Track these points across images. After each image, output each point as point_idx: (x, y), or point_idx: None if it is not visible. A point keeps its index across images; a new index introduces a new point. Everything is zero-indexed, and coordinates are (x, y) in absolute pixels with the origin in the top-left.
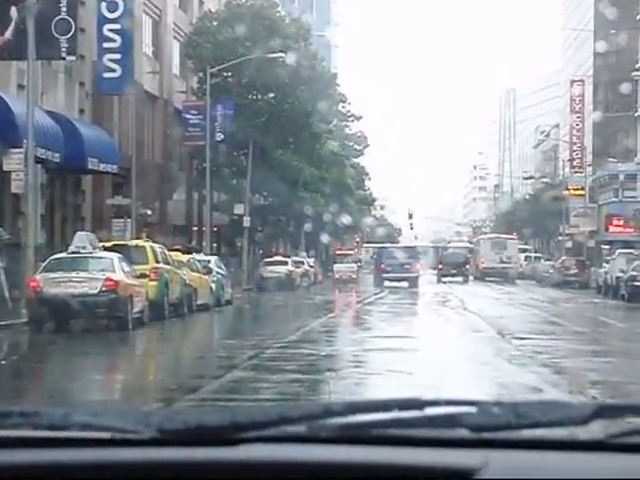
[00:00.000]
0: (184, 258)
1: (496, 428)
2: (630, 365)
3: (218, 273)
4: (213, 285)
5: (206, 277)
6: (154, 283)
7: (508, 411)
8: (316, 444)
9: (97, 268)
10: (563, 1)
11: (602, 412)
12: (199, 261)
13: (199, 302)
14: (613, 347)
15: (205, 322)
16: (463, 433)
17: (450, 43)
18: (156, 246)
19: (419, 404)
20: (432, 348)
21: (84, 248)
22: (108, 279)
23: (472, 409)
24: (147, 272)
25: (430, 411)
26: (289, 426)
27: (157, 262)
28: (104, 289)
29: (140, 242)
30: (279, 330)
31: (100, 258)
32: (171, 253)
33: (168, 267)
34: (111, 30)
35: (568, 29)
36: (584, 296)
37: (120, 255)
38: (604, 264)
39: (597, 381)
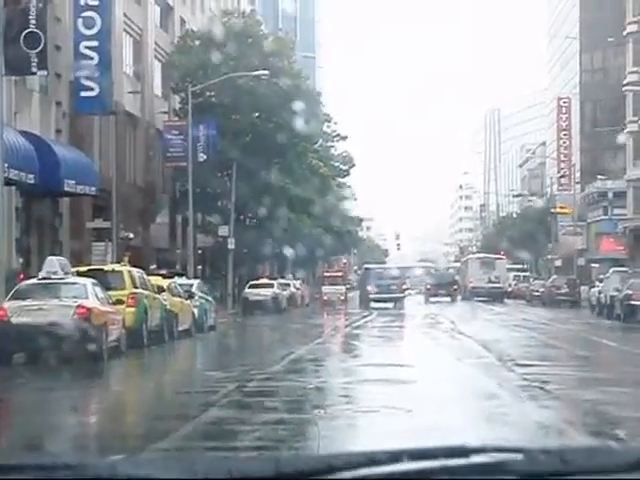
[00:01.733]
0: (165, 282)
1: (542, 475)
2: None
3: (201, 297)
4: (196, 310)
5: (188, 302)
6: (132, 309)
7: (554, 458)
8: None
9: (69, 295)
10: (548, 19)
11: None
12: (181, 285)
13: (181, 328)
14: (623, 374)
15: (186, 350)
16: None
17: (434, 63)
18: (134, 270)
19: (465, 451)
20: (429, 379)
21: (55, 273)
22: (80, 306)
23: (519, 456)
24: (124, 298)
25: (476, 459)
26: (334, 475)
27: (135, 287)
28: (76, 317)
29: (117, 266)
30: (263, 359)
31: (72, 284)
32: (151, 277)
33: (147, 292)
34: (88, 47)
35: (558, 37)
36: (577, 316)
37: (94, 280)
38: (597, 283)
39: (620, 417)
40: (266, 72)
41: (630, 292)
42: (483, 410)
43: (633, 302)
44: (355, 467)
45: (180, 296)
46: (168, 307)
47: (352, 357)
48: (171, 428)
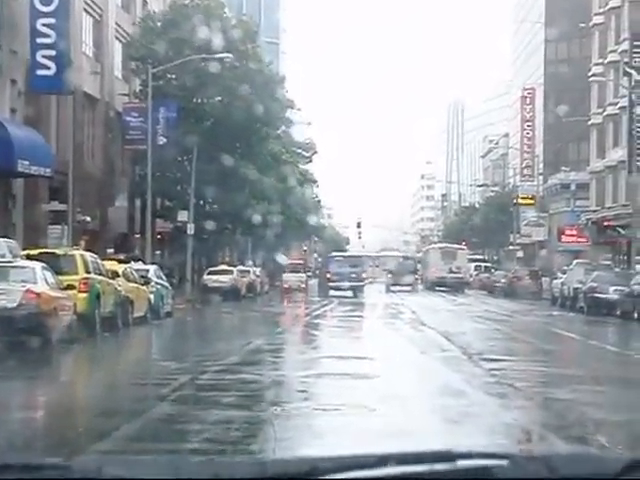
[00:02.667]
0: (119, 268)
1: None
2: (624, 396)
3: (157, 283)
4: (151, 296)
5: (144, 288)
6: (83, 295)
7: (540, 464)
8: None
9: (17, 279)
10: (513, 10)
11: (634, 467)
12: (137, 271)
13: (136, 315)
14: (594, 371)
15: (139, 339)
16: None
17: (399, 53)
18: (87, 255)
19: (451, 456)
20: (393, 373)
21: (2, 256)
22: (29, 291)
23: (504, 462)
24: (76, 283)
25: (462, 464)
26: (321, 477)
27: (88, 272)
28: (24, 302)
29: (69, 250)
30: (219, 349)
31: (21, 268)
32: (105, 262)
33: (100, 277)
34: (45, 25)
35: (523, 28)
36: (540, 308)
37: (44, 265)
38: (560, 274)
39: (600, 420)
40: (229, 55)
41: (594, 284)
42: (451, 410)
43: (597, 295)
44: (342, 470)
45: (136, 282)
46: (122, 293)
47: (312, 348)
48: (114, 426)
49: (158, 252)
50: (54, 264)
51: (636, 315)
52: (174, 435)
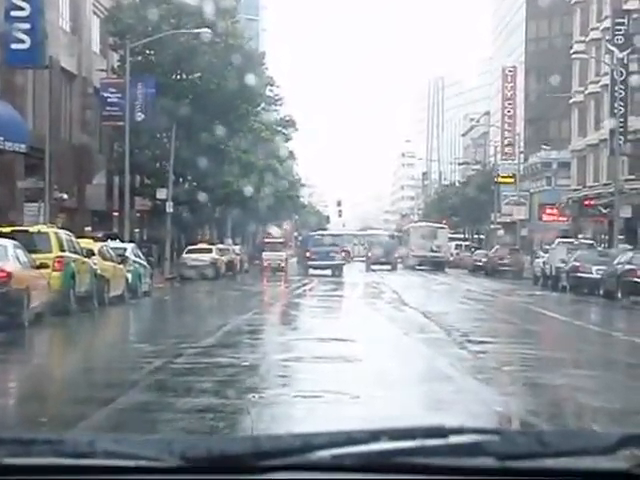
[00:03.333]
0: (95, 246)
1: (520, 457)
2: (616, 381)
3: (135, 262)
4: (129, 275)
5: (121, 267)
6: (58, 274)
7: (532, 440)
8: (340, 472)
9: None
10: None
11: (627, 441)
12: (114, 249)
13: (112, 294)
14: (583, 354)
15: (115, 319)
16: (487, 462)
17: (379, 31)
18: (62, 232)
19: (443, 432)
20: (376, 357)
21: None
22: None
23: (495, 437)
24: (50, 261)
25: (454, 439)
26: (313, 454)
27: (62, 250)
28: None
29: (43, 228)
30: (197, 329)
31: None
32: (81, 240)
33: (75, 256)
34: None
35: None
36: (522, 287)
37: (16, 242)
38: (542, 253)
39: (595, 408)
40: (208, 30)
41: (577, 264)
42: (438, 396)
43: (580, 274)
44: (334, 446)
45: (112, 260)
46: (98, 272)
47: (291, 329)
48: (80, 415)
49: (137, 230)
50: (27, 242)
51: (619, 294)
52: (143, 425)
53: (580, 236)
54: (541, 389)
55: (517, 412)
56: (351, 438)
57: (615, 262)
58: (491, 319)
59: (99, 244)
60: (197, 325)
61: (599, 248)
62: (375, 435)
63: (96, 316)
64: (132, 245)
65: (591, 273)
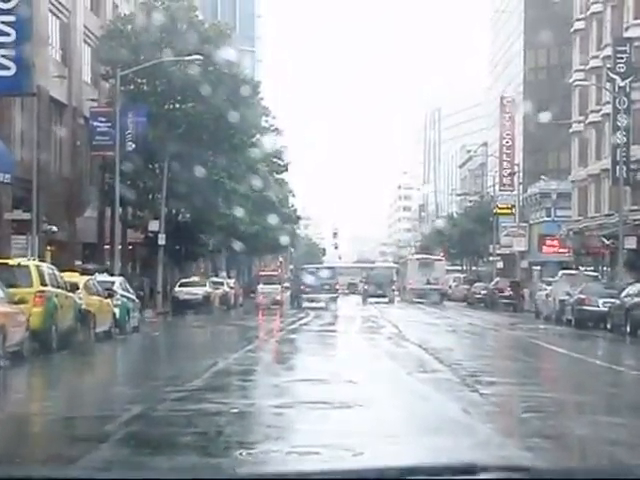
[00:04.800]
0: (81, 280)
1: None
2: None
3: (123, 296)
4: (117, 310)
5: (108, 301)
6: (38, 309)
7: (561, 475)
8: None
9: None
10: (491, 18)
11: None
12: (101, 282)
13: (99, 330)
14: (605, 396)
15: (98, 357)
16: None
17: (377, 61)
18: (43, 265)
19: (473, 469)
20: (378, 402)
21: None
22: None
23: (525, 475)
24: (30, 296)
25: (484, 476)
26: None
27: (44, 284)
28: None
29: (23, 261)
30: (184, 370)
31: None
32: (65, 274)
33: (58, 290)
34: (5, 22)
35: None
36: (524, 320)
37: None
38: (544, 286)
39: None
40: (199, 57)
41: (583, 296)
42: (455, 453)
43: (586, 307)
44: None
45: (99, 295)
46: (83, 307)
47: (286, 369)
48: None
49: (130, 263)
50: (7, 276)
51: (628, 329)
52: None
53: (582, 268)
54: (569, 441)
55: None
56: (382, 474)
57: (623, 295)
58: (498, 356)
59: (85, 278)
60: (185, 365)
61: (604, 280)
62: (407, 471)
63: (79, 354)
64: (120, 279)
65: (597, 306)
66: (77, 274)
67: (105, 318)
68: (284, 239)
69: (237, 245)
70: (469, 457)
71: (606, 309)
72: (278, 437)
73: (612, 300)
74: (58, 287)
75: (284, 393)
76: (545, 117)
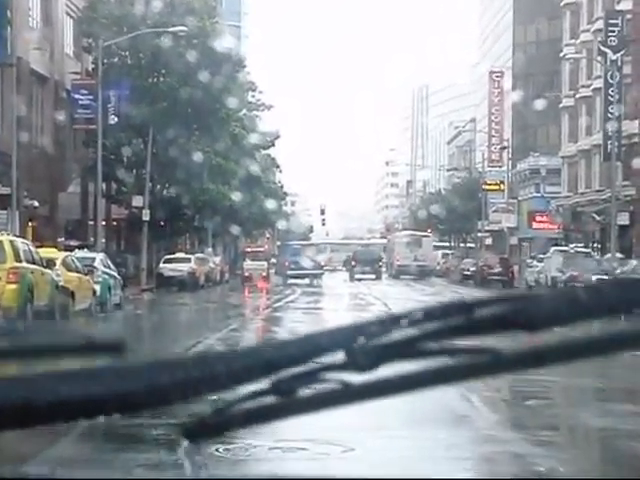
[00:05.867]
0: (58, 256)
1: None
2: None
3: (104, 273)
4: (97, 287)
5: (87, 278)
6: (12, 287)
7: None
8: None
9: None
10: None
11: None
12: (81, 259)
13: (78, 307)
14: (617, 381)
15: None
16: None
17: (364, 37)
18: (18, 241)
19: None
20: None
21: None
22: None
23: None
24: (3, 273)
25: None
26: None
27: (18, 260)
28: None
29: None
30: (161, 352)
31: None
32: (43, 250)
33: (33, 267)
34: None
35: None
36: None
37: None
38: (535, 262)
39: None
40: (183, 28)
41: (575, 273)
42: (453, 450)
43: (578, 284)
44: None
45: (78, 271)
46: (61, 284)
47: None
48: None
49: (115, 240)
50: None
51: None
52: None
53: (572, 245)
54: (581, 433)
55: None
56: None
57: (617, 272)
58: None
59: (63, 254)
60: (163, 345)
61: (596, 257)
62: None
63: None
64: (101, 255)
65: (590, 283)
66: (55, 250)
67: (85, 295)
68: (270, 215)
69: (223, 221)
70: (472, 452)
71: None
72: (259, 430)
73: (605, 277)
74: (34, 263)
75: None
76: (540, 104)
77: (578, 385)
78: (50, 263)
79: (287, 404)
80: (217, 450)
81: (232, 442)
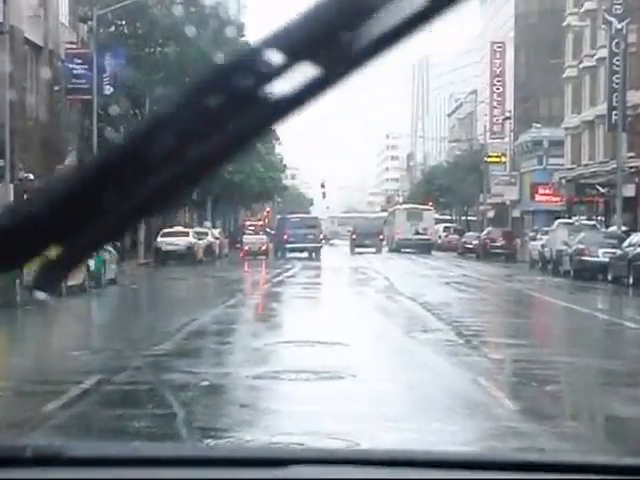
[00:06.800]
0: None
1: None
2: None
3: None
4: (91, 262)
5: None
6: None
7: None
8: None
9: None
10: None
11: None
12: None
13: (70, 283)
14: (634, 363)
15: (64, 314)
16: None
17: None
18: None
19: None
20: (374, 370)
21: None
22: None
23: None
24: None
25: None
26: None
27: None
28: None
29: None
30: (156, 329)
31: None
32: None
33: None
34: None
35: None
36: (519, 272)
37: None
38: (539, 235)
39: None
40: None
41: (582, 246)
42: (470, 447)
43: (585, 258)
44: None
45: None
46: (51, 258)
47: (269, 329)
48: None
49: None
50: None
51: (631, 280)
52: None
53: (575, 217)
54: (615, 427)
55: None
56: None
57: (625, 245)
58: (499, 311)
59: None
60: (158, 323)
61: (602, 229)
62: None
63: (42, 311)
64: None
65: (597, 257)
66: None
67: (77, 270)
68: (270, 188)
69: (222, 194)
70: (491, 450)
71: (607, 259)
72: (254, 421)
73: (613, 250)
74: None
75: (264, 359)
76: (542, 75)
77: (597, 367)
78: None
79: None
80: (207, 444)
81: (221, 437)
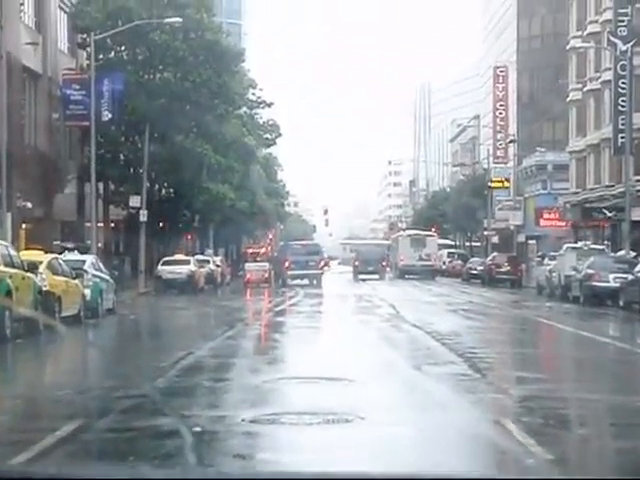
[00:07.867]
0: (43, 259)
1: None
2: None
3: (95, 276)
4: (87, 291)
5: (76, 282)
6: None
7: None
8: None
9: None
10: None
11: None
12: (69, 262)
13: (65, 314)
14: None
15: (55, 347)
16: None
17: (365, 36)
18: None
19: None
20: (384, 412)
21: None
22: None
23: None
24: None
25: None
26: None
27: None
28: None
29: None
30: (149, 364)
31: None
32: (25, 252)
33: (13, 270)
34: None
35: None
36: (527, 298)
37: None
38: (547, 261)
39: None
40: (178, 20)
41: (592, 272)
42: None
43: (595, 283)
44: None
45: (65, 275)
46: (45, 288)
47: (269, 363)
48: None
49: (113, 241)
50: None
51: None
52: None
53: (582, 242)
54: None
55: None
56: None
57: (637, 269)
58: (513, 341)
59: (48, 257)
60: (152, 356)
61: (611, 254)
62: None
63: (34, 344)
64: (92, 257)
65: (608, 282)
66: (41, 253)
67: (72, 301)
68: (272, 215)
69: (224, 221)
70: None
71: (617, 285)
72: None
73: (624, 275)
74: (14, 267)
75: (263, 399)
76: (545, 99)
77: (625, 404)
78: (31, 267)
79: None
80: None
81: None
